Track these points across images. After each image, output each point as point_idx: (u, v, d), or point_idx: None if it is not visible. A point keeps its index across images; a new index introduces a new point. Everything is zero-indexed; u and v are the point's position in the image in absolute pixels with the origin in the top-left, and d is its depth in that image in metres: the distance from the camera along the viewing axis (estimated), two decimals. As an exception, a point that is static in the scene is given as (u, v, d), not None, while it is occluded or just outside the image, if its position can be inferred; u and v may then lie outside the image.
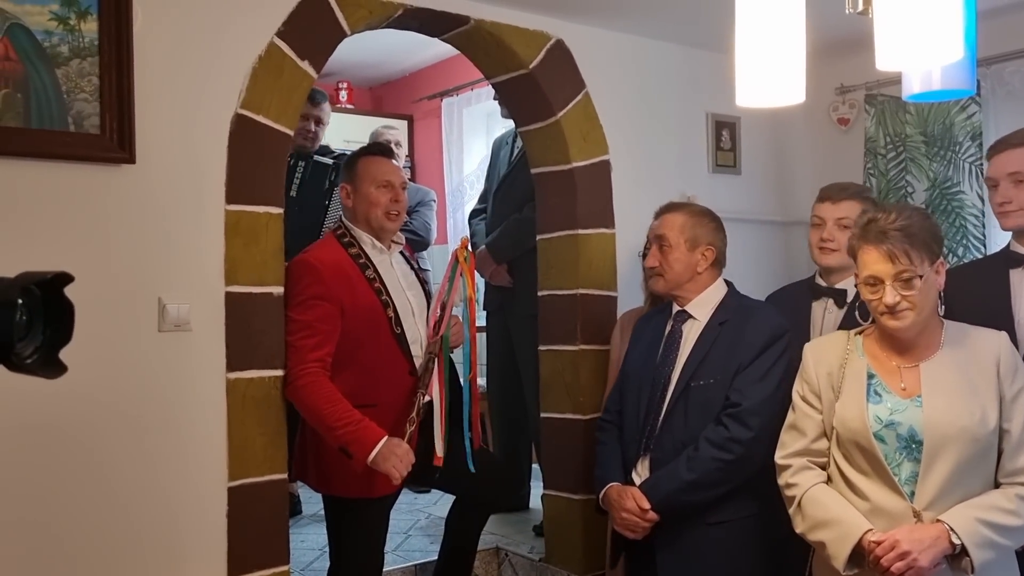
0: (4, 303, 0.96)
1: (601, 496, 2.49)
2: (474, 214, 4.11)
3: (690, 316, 2.50)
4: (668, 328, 2.53)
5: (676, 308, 2.53)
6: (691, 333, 2.48)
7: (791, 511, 2.06)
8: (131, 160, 2.28)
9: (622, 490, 2.42)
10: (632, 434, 2.48)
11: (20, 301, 0.97)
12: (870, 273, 1.95)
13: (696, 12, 3.04)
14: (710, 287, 2.51)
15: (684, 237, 2.49)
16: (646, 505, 2.34)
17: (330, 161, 3.79)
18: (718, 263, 2.54)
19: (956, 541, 1.84)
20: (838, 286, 2.59)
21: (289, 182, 3.68)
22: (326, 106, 3.90)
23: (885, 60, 1.46)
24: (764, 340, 2.38)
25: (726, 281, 2.56)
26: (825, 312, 2.59)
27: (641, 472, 2.44)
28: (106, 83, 2.24)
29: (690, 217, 2.53)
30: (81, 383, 2.20)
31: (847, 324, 2.46)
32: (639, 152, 3.38)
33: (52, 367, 1.03)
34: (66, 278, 1.02)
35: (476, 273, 3.80)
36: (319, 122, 3.84)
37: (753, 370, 2.35)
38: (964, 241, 3.29)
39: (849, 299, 2.56)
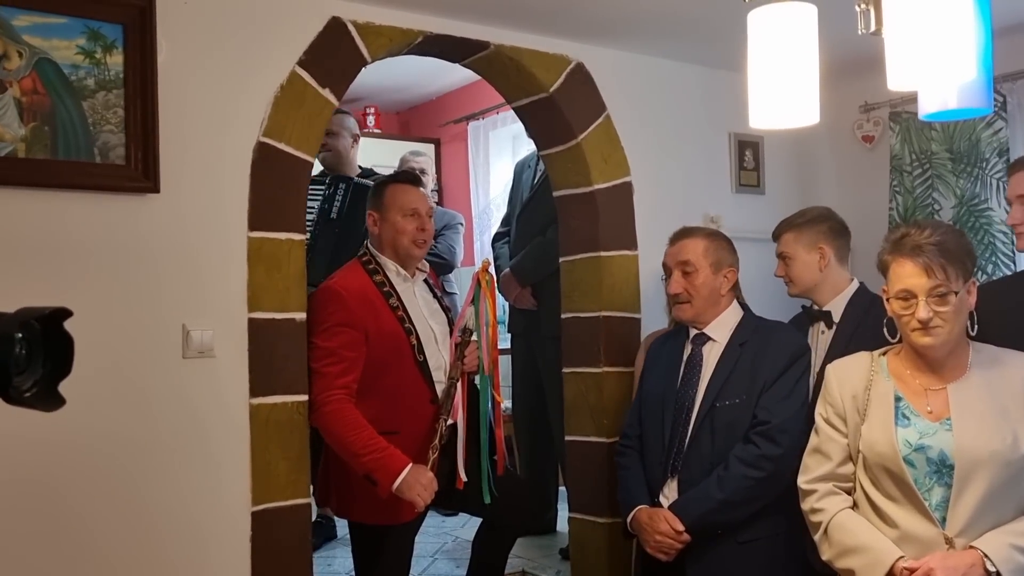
0: (2, 337, 0.98)
1: (629, 520, 2.48)
2: (497, 237, 4.13)
3: (709, 338, 2.52)
4: (688, 351, 2.55)
5: (694, 331, 2.55)
6: (711, 355, 2.50)
7: (816, 538, 2.03)
8: (156, 189, 2.32)
9: (653, 512, 2.41)
10: (656, 457, 2.48)
11: (19, 335, 0.99)
12: (904, 287, 1.92)
13: (715, 33, 3.04)
14: (728, 309, 2.54)
15: (709, 261, 2.52)
16: (680, 527, 2.34)
17: (372, 183, 3.80)
18: (736, 285, 2.57)
19: (991, 569, 1.80)
20: (825, 308, 2.64)
21: (329, 204, 3.71)
22: (339, 116, 3.82)
23: (898, 80, 1.45)
24: (787, 358, 2.40)
25: (741, 304, 2.59)
26: (818, 334, 2.63)
27: (668, 495, 2.44)
28: (131, 114, 2.29)
29: (711, 240, 2.56)
30: (108, 408, 2.26)
31: (836, 343, 2.51)
32: (661, 173, 3.37)
33: (51, 400, 1.04)
34: (64, 313, 1.04)
35: (500, 296, 3.83)
36: (330, 134, 3.77)
37: (778, 388, 2.37)
38: (993, 258, 3.24)
39: (835, 320, 2.61)
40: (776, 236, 2.75)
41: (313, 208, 3.73)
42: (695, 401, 2.45)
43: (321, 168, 4.11)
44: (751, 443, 2.34)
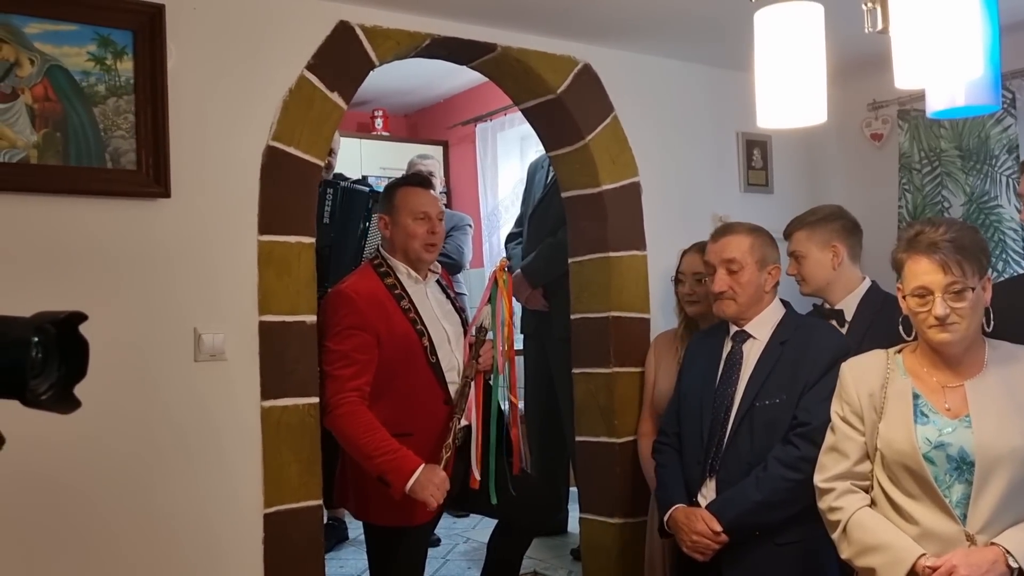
0: (19, 341, 1.00)
1: (666, 519, 2.46)
2: (510, 238, 4.12)
3: (750, 336, 2.47)
4: (727, 349, 2.50)
5: (734, 328, 2.51)
6: (751, 353, 2.45)
7: (835, 536, 2.01)
8: (166, 194, 2.34)
9: (690, 512, 2.39)
10: (694, 455, 2.46)
11: (35, 339, 1.00)
12: (920, 284, 1.90)
13: (722, 33, 3.04)
14: (770, 307, 2.50)
15: (754, 258, 2.47)
16: (717, 527, 2.31)
17: (367, 189, 3.81)
18: (778, 283, 2.53)
19: (1014, 565, 1.79)
20: (837, 307, 2.64)
21: (320, 209, 3.72)
22: (336, 134, 3.82)
23: (905, 78, 1.45)
24: (828, 359, 2.34)
25: (783, 301, 2.54)
26: None
27: (706, 494, 2.41)
28: (142, 120, 2.30)
29: (756, 237, 2.51)
30: (121, 412, 2.27)
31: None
32: (669, 173, 3.37)
33: (66, 403, 1.06)
34: (80, 317, 1.06)
35: (513, 296, 3.84)
36: (331, 152, 3.77)
37: (819, 389, 2.30)
38: (1004, 256, 3.23)
39: (848, 318, 2.60)
40: (788, 234, 2.73)
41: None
42: (734, 400, 2.41)
43: None
44: (790, 444, 2.30)
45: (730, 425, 2.39)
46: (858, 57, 3.21)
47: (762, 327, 2.47)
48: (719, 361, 2.50)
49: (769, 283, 2.48)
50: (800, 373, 2.35)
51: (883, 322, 2.35)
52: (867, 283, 2.65)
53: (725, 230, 2.57)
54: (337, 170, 3.89)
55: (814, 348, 2.38)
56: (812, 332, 2.45)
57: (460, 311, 2.83)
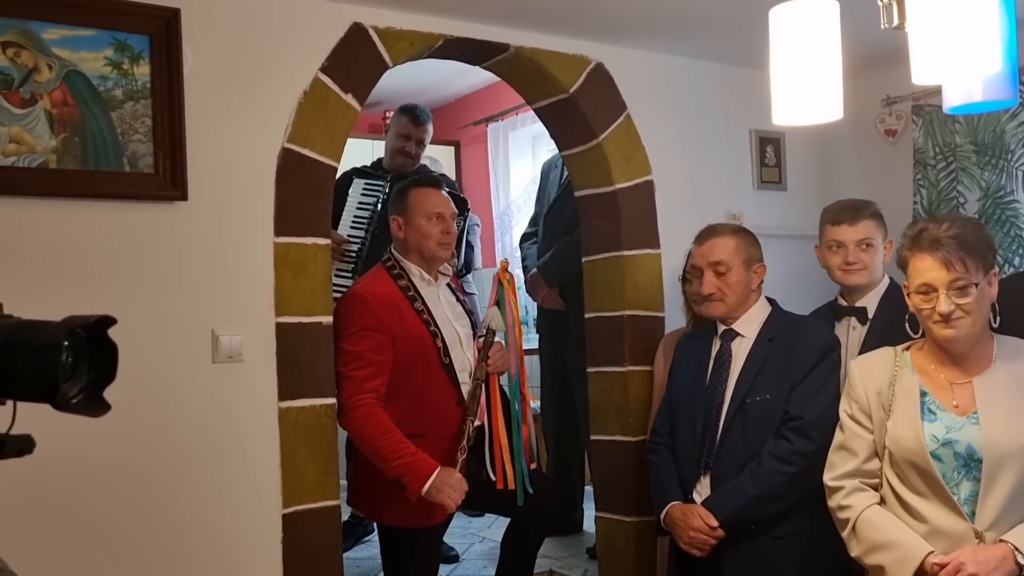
0: (50, 346, 1.01)
1: (662, 516, 2.48)
2: (525, 238, 4.12)
3: (738, 334, 2.51)
4: (716, 347, 2.54)
5: (722, 327, 2.54)
6: (740, 351, 2.49)
7: (844, 534, 2.03)
8: (183, 197, 2.36)
9: (686, 508, 2.41)
10: (688, 453, 2.48)
11: (65, 343, 1.01)
12: (924, 281, 1.91)
13: (734, 30, 3.04)
14: (756, 304, 2.54)
15: (740, 258, 2.51)
16: (714, 522, 2.34)
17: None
18: (763, 280, 2.56)
19: (1023, 561, 1.80)
20: (858, 304, 2.61)
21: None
22: (430, 127, 3.77)
23: (922, 74, 1.45)
24: (816, 354, 2.39)
25: (768, 299, 2.58)
26: (849, 330, 2.60)
27: (701, 491, 2.44)
28: (158, 124, 2.32)
29: (741, 238, 2.55)
30: (140, 414, 2.29)
31: (871, 339, 2.49)
32: (683, 171, 3.37)
33: (96, 406, 1.07)
34: (109, 321, 1.07)
35: (529, 296, 3.84)
36: (420, 143, 3.74)
37: (809, 384, 2.36)
38: (1020, 251, 3.21)
39: (870, 316, 2.59)
40: (853, 220, 2.60)
41: (368, 205, 3.64)
42: (725, 397, 2.44)
43: (361, 165, 3.87)
44: (783, 439, 2.33)
45: (722, 422, 2.43)
46: (871, 52, 3.20)
47: (749, 325, 2.51)
48: (708, 360, 2.53)
49: (755, 282, 2.53)
50: (789, 368, 2.39)
51: (906, 319, 2.33)
52: (887, 280, 2.64)
53: (710, 233, 2.59)
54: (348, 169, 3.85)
55: (802, 344, 2.42)
56: (800, 328, 2.48)
57: (469, 313, 2.84)
